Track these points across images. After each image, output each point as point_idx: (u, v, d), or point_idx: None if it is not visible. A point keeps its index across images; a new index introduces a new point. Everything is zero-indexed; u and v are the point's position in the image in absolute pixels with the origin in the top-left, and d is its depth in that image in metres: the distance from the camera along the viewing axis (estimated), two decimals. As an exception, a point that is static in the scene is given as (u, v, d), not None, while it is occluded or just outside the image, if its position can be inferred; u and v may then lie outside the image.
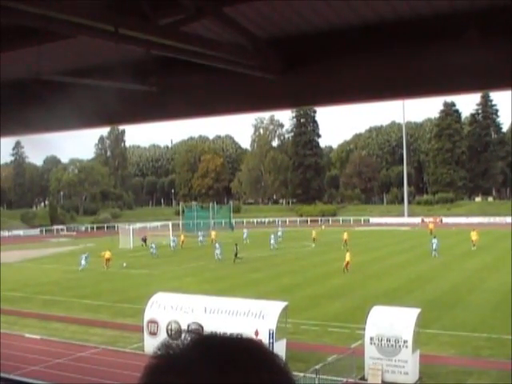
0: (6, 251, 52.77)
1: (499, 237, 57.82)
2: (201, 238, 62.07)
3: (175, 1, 4.70)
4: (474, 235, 50.42)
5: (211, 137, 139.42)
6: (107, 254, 43.86)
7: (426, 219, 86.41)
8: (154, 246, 51.64)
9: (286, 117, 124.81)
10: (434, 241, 46.08)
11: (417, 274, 36.78)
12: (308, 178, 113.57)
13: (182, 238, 60.76)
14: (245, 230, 66.09)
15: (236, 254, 44.49)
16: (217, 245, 48.28)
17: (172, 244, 57.27)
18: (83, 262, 43.61)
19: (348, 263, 38.70)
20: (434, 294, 29.47)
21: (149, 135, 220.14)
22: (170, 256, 51.02)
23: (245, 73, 5.66)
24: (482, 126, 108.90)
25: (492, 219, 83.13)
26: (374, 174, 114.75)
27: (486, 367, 18.85)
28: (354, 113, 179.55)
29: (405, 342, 17.51)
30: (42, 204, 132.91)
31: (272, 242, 55.05)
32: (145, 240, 55.29)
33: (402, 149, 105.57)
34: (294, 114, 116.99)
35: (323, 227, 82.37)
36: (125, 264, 44.73)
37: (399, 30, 5.07)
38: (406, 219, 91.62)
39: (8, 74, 6.28)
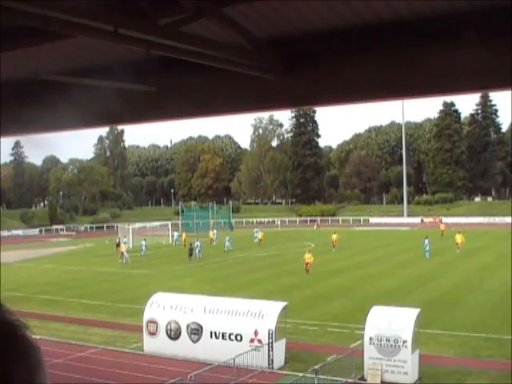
0: (5, 251, 52.59)
1: (499, 237, 57.80)
2: (175, 238, 61.10)
3: (175, 1, 4.70)
4: (458, 238, 47.56)
5: (211, 137, 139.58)
6: (121, 248, 50.99)
7: (426, 219, 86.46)
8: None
9: (285, 117, 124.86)
10: (426, 241, 44.88)
11: (416, 274, 36.76)
12: (307, 178, 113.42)
13: (184, 236, 60.42)
14: (215, 231, 64.85)
15: (190, 255, 47.39)
16: (197, 243, 48.73)
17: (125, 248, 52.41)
18: (126, 255, 48.79)
19: (309, 264, 37.47)
20: (433, 295, 29.47)
21: (148, 135, 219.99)
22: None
23: (245, 73, 5.65)
24: (481, 126, 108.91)
25: (491, 219, 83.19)
26: (373, 174, 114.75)
27: (486, 367, 18.83)
28: (354, 113, 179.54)
29: (404, 341, 17.50)
30: (42, 204, 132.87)
31: (227, 244, 54.42)
32: (118, 245, 52.98)
33: (402, 149, 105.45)
34: (293, 114, 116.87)
35: (315, 227, 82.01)
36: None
37: (399, 30, 5.07)
38: (405, 219, 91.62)
39: (8, 74, 6.27)
